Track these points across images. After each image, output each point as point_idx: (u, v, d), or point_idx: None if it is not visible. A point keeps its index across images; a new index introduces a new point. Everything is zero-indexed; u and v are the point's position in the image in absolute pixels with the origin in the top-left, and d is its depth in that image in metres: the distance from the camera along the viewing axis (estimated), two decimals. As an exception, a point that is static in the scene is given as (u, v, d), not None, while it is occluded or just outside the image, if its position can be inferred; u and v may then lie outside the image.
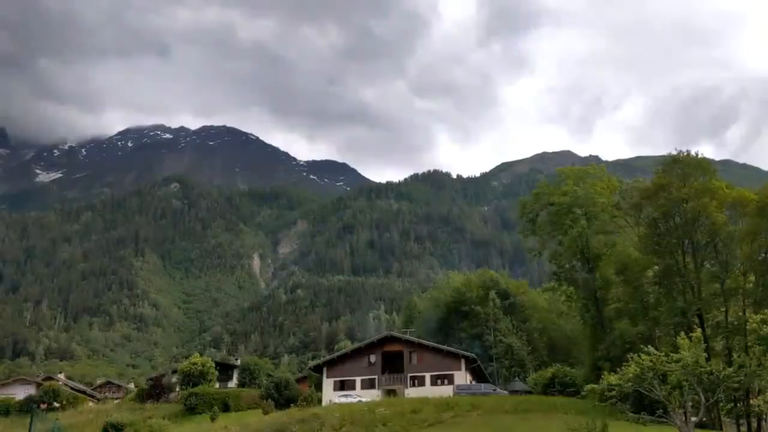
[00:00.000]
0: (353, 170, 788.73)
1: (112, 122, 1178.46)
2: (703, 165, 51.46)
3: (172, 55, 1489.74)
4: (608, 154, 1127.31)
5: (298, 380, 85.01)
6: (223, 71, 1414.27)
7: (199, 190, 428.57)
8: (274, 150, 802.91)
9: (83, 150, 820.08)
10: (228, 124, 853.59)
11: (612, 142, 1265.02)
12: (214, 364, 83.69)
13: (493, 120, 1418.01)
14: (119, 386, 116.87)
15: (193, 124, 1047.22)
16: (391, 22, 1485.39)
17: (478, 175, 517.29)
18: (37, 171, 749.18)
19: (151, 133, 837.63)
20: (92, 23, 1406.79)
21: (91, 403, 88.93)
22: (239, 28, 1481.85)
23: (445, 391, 61.67)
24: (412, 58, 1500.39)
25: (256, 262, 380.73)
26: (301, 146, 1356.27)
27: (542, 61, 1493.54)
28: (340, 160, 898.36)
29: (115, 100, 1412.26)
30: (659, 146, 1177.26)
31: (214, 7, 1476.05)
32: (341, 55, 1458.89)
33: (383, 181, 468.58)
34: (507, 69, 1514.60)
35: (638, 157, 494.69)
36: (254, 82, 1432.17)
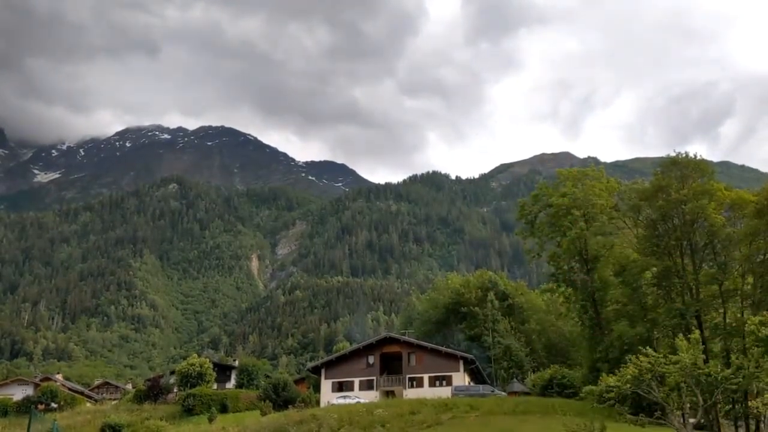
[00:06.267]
0: (352, 171, 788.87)
1: (102, 121, 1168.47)
2: (701, 166, 51.34)
3: (160, 54, 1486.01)
4: (607, 156, 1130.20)
5: (297, 381, 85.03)
6: (211, 70, 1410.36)
7: (197, 191, 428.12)
8: (273, 150, 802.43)
9: (81, 150, 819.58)
10: (218, 123, 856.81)
11: (604, 140, 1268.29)
12: (212, 365, 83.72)
13: (483, 118, 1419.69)
14: (117, 387, 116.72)
15: (183, 123, 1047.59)
16: (380, 20, 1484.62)
17: (476, 176, 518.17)
18: (36, 171, 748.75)
19: (149, 134, 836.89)
20: (80, 22, 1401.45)
21: (88, 404, 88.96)
22: (227, 27, 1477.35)
23: (444, 392, 61.68)
24: (400, 57, 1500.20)
25: (255, 263, 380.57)
26: (293, 145, 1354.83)
27: (531, 59, 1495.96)
28: (333, 159, 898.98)
29: (105, 100, 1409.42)
30: (651, 144, 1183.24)
31: (200, 4, 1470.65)
32: (330, 54, 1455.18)
33: (379, 180, 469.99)
34: (495, 67, 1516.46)
35: (637, 159, 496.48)
36: (243, 81, 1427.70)
